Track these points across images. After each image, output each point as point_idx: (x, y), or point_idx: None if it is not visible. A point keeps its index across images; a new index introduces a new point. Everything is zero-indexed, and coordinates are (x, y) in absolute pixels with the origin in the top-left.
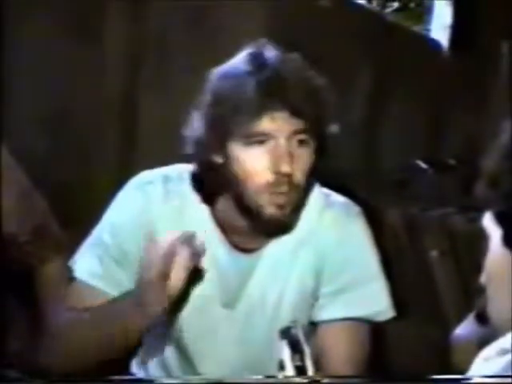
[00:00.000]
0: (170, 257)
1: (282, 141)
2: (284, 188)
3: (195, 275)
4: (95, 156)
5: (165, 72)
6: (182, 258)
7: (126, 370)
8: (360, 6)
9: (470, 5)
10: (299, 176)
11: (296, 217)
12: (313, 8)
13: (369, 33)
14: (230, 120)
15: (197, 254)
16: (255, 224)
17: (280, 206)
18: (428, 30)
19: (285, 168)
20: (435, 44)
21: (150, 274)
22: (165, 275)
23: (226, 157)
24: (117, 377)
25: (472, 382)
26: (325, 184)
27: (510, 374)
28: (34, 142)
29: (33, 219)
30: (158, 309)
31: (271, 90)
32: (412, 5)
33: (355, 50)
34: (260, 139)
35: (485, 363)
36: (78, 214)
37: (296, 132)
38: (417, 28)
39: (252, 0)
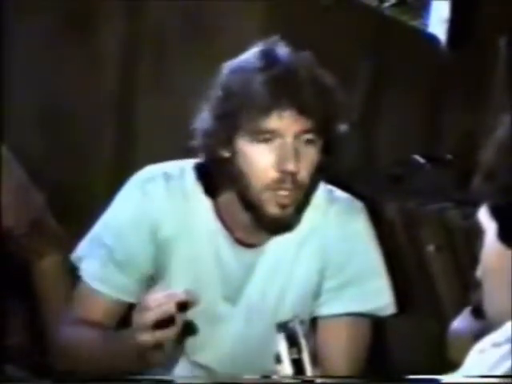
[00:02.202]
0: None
1: (288, 139)
2: (288, 186)
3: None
4: (94, 154)
5: (163, 71)
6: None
7: None
8: (358, 1)
9: None
10: (304, 175)
11: (299, 216)
12: (313, 6)
13: (366, 28)
14: (238, 115)
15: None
16: (257, 220)
17: (283, 206)
18: (425, 25)
19: (290, 166)
20: (433, 39)
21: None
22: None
23: (233, 151)
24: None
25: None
26: (323, 179)
27: (504, 365)
28: (33, 139)
29: (30, 213)
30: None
31: (280, 87)
32: None
33: (353, 46)
34: (267, 137)
35: (480, 355)
36: (77, 210)
37: (303, 131)
38: (414, 22)
39: None
